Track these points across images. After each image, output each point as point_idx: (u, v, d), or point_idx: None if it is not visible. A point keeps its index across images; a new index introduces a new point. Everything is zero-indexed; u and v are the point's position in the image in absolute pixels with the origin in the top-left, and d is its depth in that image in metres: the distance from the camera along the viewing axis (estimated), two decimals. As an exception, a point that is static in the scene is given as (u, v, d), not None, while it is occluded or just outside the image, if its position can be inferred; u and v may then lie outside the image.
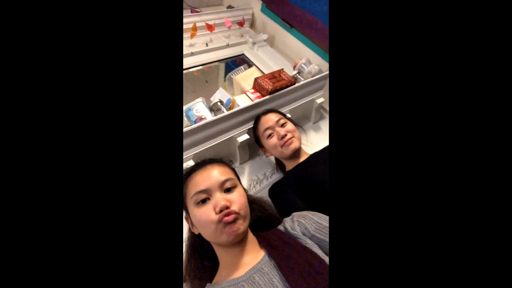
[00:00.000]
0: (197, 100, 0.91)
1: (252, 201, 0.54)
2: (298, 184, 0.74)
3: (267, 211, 0.55)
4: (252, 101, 1.04)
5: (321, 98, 1.22)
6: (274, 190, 0.79)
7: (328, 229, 0.44)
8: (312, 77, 1.18)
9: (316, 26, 1.32)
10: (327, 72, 1.22)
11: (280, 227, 0.50)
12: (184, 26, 1.31)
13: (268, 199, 0.75)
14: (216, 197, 0.47)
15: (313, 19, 1.32)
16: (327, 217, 0.47)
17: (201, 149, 0.82)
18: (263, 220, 0.53)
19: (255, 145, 0.94)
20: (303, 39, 1.46)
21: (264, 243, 0.45)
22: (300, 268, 0.38)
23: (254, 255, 0.45)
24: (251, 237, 0.47)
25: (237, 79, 1.24)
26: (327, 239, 0.43)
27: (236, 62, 1.42)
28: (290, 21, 1.44)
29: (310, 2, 1.29)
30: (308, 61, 1.25)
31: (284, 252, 0.41)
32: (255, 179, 0.94)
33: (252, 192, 0.90)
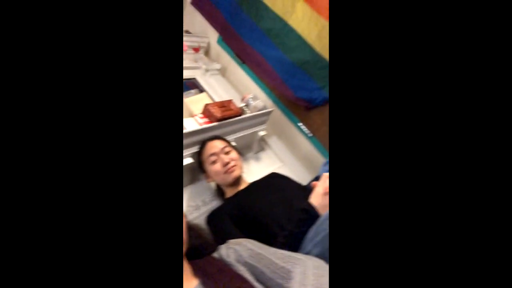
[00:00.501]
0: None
1: (190, 228, 0.56)
2: (236, 211, 0.79)
3: (203, 238, 0.57)
4: (200, 125, 1.07)
5: (264, 132, 1.32)
6: (212, 218, 0.82)
7: (261, 256, 0.46)
8: (257, 111, 1.28)
9: (264, 67, 1.46)
10: (271, 109, 1.34)
11: (215, 255, 0.52)
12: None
13: (205, 226, 0.80)
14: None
15: (262, 60, 1.45)
16: (261, 244, 0.50)
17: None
18: (199, 248, 0.55)
19: (196, 170, 0.97)
20: (252, 76, 1.59)
21: (199, 272, 0.46)
22: None
23: (187, 285, 0.45)
24: (185, 265, 0.48)
25: (186, 102, 1.27)
26: (259, 266, 0.45)
27: (187, 85, 1.45)
28: (242, 57, 1.56)
29: (260, 44, 1.43)
30: (255, 97, 1.37)
31: (218, 280, 0.42)
32: (193, 206, 0.96)
33: (190, 217, 0.90)
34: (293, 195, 0.82)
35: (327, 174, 0.70)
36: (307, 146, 1.52)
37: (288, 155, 1.54)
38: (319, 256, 0.52)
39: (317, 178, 1.19)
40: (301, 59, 1.32)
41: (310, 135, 1.48)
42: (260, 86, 1.60)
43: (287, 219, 0.68)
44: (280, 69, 1.39)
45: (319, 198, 0.66)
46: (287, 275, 0.39)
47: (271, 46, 1.38)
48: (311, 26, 1.26)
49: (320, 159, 1.49)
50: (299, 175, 1.40)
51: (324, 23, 1.22)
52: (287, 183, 0.93)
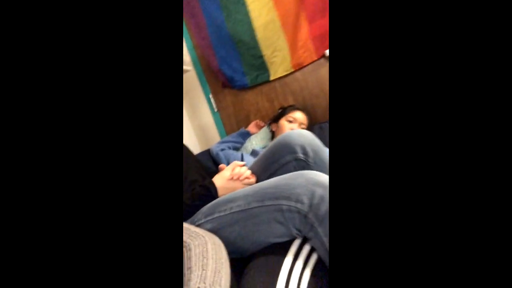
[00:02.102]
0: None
1: None
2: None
3: None
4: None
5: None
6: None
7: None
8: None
9: (198, 20, 1.33)
10: (188, 68, 1.26)
11: None
12: None
13: None
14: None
15: (199, 12, 1.31)
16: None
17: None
18: None
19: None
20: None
21: None
22: None
23: None
24: None
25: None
26: None
27: None
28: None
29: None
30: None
31: None
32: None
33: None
34: (188, 167, 0.84)
35: (241, 163, 0.73)
36: (207, 118, 1.51)
37: (185, 119, 1.48)
38: (211, 231, 0.57)
39: (207, 153, 1.23)
40: (239, 36, 1.28)
41: (215, 110, 1.50)
42: (185, 38, 1.44)
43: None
44: (213, 33, 1.30)
45: (223, 181, 0.69)
46: (188, 246, 0.43)
47: (216, 5, 1.26)
48: (263, 12, 1.24)
49: (216, 136, 1.53)
50: (187, 142, 1.39)
51: (274, 18, 1.23)
52: (186, 152, 0.95)
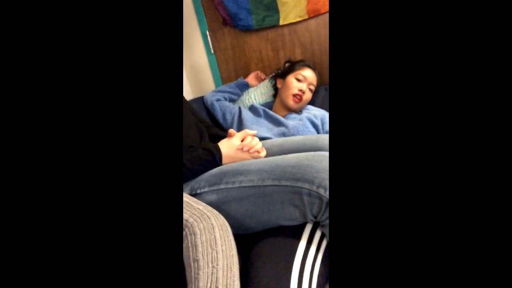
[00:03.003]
0: None
1: None
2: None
3: None
4: None
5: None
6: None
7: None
8: None
9: None
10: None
11: None
12: None
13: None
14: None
15: None
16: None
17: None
18: None
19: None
20: None
21: None
22: None
23: None
24: None
25: None
26: None
27: None
28: None
29: None
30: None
31: None
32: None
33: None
34: (184, 120, 0.79)
35: (252, 133, 0.70)
36: (201, 59, 1.36)
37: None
38: (213, 204, 0.54)
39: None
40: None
41: (212, 51, 1.34)
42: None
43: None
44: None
45: (231, 150, 0.65)
46: (191, 229, 0.42)
47: None
48: None
49: (210, 81, 1.39)
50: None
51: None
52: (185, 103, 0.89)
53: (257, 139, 0.70)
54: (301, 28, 1.20)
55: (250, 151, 0.67)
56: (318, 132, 0.98)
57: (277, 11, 1.17)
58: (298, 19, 1.17)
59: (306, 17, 1.16)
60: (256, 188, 0.54)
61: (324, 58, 1.21)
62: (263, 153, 0.70)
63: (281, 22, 1.19)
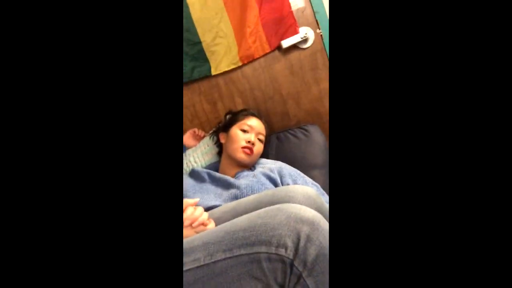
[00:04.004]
0: None
1: None
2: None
3: None
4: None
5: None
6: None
7: None
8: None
9: None
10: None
11: None
12: None
13: None
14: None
15: None
16: None
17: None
18: None
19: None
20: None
21: None
22: None
23: None
24: None
25: None
26: None
27: None
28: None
29: None
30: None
31: None
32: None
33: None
34: None
35: (193, 201, 0.73)
36: None
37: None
38: None
39: None
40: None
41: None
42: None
43: None
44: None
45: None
46: None
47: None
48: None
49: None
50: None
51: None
52: None
53: (200, 209, 0.72)
54: (237, 76, 1.31)
55: (193, 224, 0.68)
56: (275, 186, 1.01)
57: (206, 60, 1.27)
58: (231, 66, 1.28)
59: (240, 64, 1.27)
60: (204, 268, 0.54)
61: (269, 105, 1.33)
62: (211, 225, 0.71)
63: (213, 72, 1.28)
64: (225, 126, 1.17)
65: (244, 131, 1.11)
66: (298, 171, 1.08)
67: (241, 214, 0.69)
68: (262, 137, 1.14)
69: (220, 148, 1.21)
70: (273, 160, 1.17)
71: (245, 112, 1.18)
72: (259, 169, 1.07)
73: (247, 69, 1.30)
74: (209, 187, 1.05)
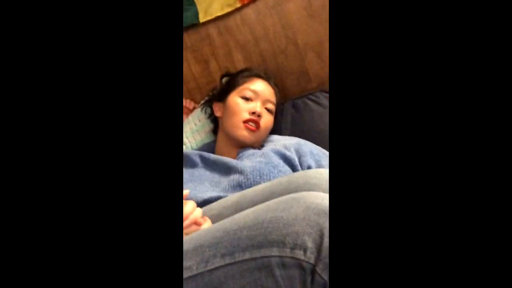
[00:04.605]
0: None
1: None
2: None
3: None
4: None
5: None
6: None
7: None
8: None
9: None
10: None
11: None
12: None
13: None
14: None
15: None
16: None
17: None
18: None
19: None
20: None
21: None
22: None
23: None
24: None
25: None
26: None
27: None
28: None
29: None
30: None
31: None
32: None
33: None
34: None
35: (184, 193, 0.71)
36: None
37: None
38: None
39: None
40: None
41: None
42: None
43: None
44: None
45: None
46: None
47: None
48: None
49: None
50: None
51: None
52: None
53: (191, 204, 0.71)
54: (235, 23, 1.21)
55: (184, 224, 0.67)
56: (294, 170, 0.98)
57: (192, 2, 1.17)
58: (227, 9, 1.18)
59: (238, 4, 1.16)
60: (197, 279, 0.53)
61: (280, 61, 1.23)
62: (206, 224, 0.71)
63: (202, 18, 1.19)
64: (221, 94, 1.12)
65: (246, 99, 1.05)
66: (323, 149, 1.05)
67: (246, 209, 0.68)
68: (271, 106, 1.09)
69: (216, 124, 1.17)
70: (288, 137, 1.13)
71: (248, 73, 1.12)
72: (269, 146, 1.04)
73: (249, 12, 1.19)
74: (202, 173, 1.02)
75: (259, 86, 1.06)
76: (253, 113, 1.01)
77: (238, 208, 0.73)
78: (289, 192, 0.67)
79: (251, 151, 1.02)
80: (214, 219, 0.72)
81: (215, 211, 0.76)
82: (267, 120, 1.05)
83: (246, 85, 1.06)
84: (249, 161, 0.97)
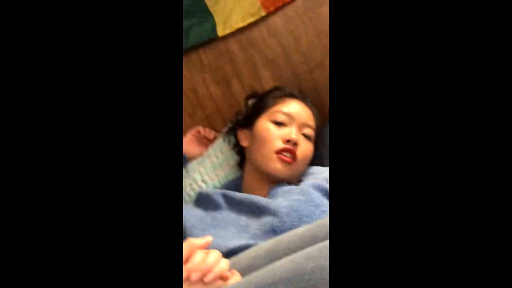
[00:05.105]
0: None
1: None
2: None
3: None
4: None
5: None
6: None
7: None
8: None
9: None
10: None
11: None
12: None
13: None
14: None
15: None
16: None
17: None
18: None
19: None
20: None
21: None
22: None
23: None
24: None
25: None
26: None
27: None
28: None
29: None
30: None
31: None
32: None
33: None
34: None
35: (204, 242, 0.69)
36: None
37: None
38: None
39: None
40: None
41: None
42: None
43: None
44: None
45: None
46: None
47: None
48: None
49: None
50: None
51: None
52: None
53: (216, 254, 0.68)
54: (261, 34, 1.19)
55: (206, 279, 0.65)
56: None
57: (208, 13, 1.15)
58: (249, 20, 1.16)
59: (264, 13, 1.14)
60: None
61: (317, 76, 1.19)
62: (234, 278, 0.68)
63: (221, 32, 1.17)
64: (248, 119, 1.09)
65: (279, 124, 1.01)
66: None
67: (282, 258, 0.67)
68: (310, 132, 1.04)
69: (242, 156, 1.13)
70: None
71: (279, 93, 1.09)
72: (309, 181, 0.99)
73: (276, 21, 1.17)
74: (226, 216, 0.97)
75: (294, 107, 1.03)
76: (288, 141, 0.97)
77: (273, 257, 0.68)
78: None
79: (286, 187, 0.98)
80: (243, 272, 0.69)
81: (244, 262, 0.72)
82: (305, 149, 1.01)
83: (277, 107, 1.03)
84: (284, 199, 0.92)
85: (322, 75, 1.18)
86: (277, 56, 1.19)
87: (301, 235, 0.72)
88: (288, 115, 1.01)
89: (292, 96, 1.07)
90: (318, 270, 0.51)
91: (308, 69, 1.18)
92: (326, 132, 1.14)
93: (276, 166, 0.96)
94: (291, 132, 0.98)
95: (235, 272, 0.69)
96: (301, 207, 0.88)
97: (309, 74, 1.17)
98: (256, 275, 0.58)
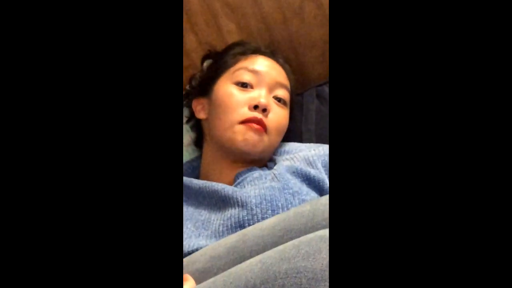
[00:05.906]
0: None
1: None
2: None
3: None
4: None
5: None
6: None
7: None
8: None
9: None
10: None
11: None
12: None
13: None
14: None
15: None
16: None
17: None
18: None
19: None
20: None
21: None
22: None
23: None
24: None
25: None
26: None
27: None
28: None
29: None
30: None
31: None
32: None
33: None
34: None
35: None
36: None
37: None
38: None
39: None
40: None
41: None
42: None
43: None
44: None
45: None
46: None
47: None
48: None
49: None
50: None
51: None
52: None
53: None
54: None
55: None
56: (321, 194, 0.95)
57: None
58: None
59: None
60: None
61: (295, 27, 1.18)
62: (188, 284, 0.67)
63: None
64: (204, 84, 1.09)
65: (243, 85, 0.99)
66: None
67: (250, 257, 0.64)
68: (283, 94, 1.03)
69: (199, 131, 1.14)
70: (311, 144, 1.10)
71: (241, 48, 1.08)
72: (283, 163, 0.99)
73: None
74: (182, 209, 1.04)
75: (262, 64, 1.00)
76: (256, 106, 0.94)
77: (236, 257, 0.68)
78: (314, 229, 0.64)
79: (256, 172, 0.97)
80: (199, 276, 0.68)
81: (199, 264, 0.71)
82: (278, 116, 0.98)
83: (240, 64, 1.00)
84: (254, 187, 0.92)
85: (301, 27, 1.19)
86: (243, 2, 1.16)
87: (270, 228, 0.70)
88: (255, 73, 0.98)
89: (258, 51, 1.05)
90: (293, 274, 0.50)
91: (282, 19, 1.17)
92: (304, 97, 1.12)
93: (242, 140, 0.94)
94: (260, 95, 0.95)
95: (188, 277, 0.68)
96: (275, 196, 0.87)
97: (284, 25, 1.16)
98: (215, 281, 0.58)
